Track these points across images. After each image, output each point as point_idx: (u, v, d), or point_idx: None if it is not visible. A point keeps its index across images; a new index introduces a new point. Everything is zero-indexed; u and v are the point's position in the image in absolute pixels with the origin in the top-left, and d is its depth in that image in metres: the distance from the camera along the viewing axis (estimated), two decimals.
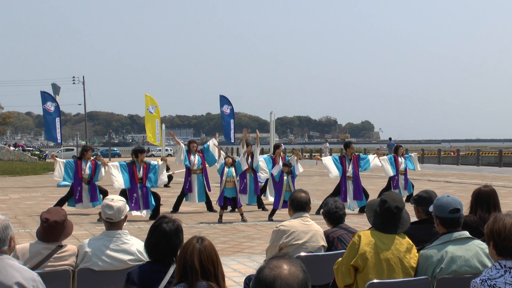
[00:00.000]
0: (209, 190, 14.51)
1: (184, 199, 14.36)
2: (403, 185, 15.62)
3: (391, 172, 15.17)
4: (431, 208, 4.43)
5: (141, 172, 13.08)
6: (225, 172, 12.56)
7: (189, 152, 14.29)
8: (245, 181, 14.16)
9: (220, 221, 12.51)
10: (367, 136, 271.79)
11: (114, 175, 13.00)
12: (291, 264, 2.21)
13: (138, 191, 12.90)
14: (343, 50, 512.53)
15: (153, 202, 13.04)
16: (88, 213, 14.00)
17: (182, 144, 14.26)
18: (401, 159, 15.60)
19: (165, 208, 14.78)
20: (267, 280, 2.16)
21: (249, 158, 14.15)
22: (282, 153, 14.70)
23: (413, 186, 15.97)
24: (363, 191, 14.00)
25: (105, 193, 13.84)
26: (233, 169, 12.74)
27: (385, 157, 15.65)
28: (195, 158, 14.24)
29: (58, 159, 14.31)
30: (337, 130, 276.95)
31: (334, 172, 13.87)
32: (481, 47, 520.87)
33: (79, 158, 14.18)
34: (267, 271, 2.19)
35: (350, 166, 13.82)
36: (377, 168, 14.86)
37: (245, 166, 13.32)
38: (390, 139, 47.82)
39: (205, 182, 14.22)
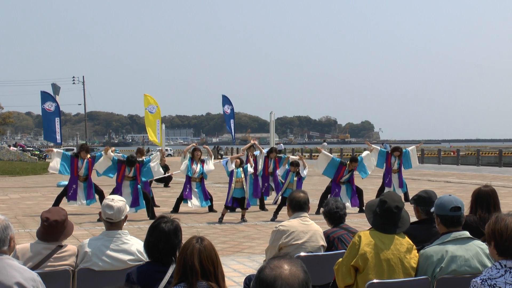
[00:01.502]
0: (209, 196, 14.41)
1: (183, 202, 14.31)
2: (398, 184, 15.67)
3: (374, 162, 15.05)
4: (433, 209, 4.43)
5: (131, 172, 13.26)
6: (234, 172, 12.60)
7: (192, 159, 14.27)
8: (266, 185, 14.31)
9: (220, 220, 12.50)
10: (367, 136, 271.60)
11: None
12: (292, 264, 2.21)
13: (123, 189, 13.04)
14: (343, 50, 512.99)
15: (143, 203, 13.12)
16: (88, 213, 13.99)
17: (188, 154, 14.35)
18: (394, 159, 15.63)
19: (165, 208, 14.78)
20: (267, 280, 2.16)
21: (271, 163, 14.51)
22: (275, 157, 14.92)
23: (406, 185, 16.04)
24: (357, 190, 14.02)
25: (100, 193, 13.88)
26: (241, 170, 12.79)
27: (378, 148, 15.71)
28: (197, 167, 14.17)
29: (54, 149, 14.29)
30: (337, 130, 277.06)
31: (322, 169, 14.03)
32: (481, 47, 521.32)
33: (76, 156, 14.14)
34: (267, 271, 2.19)
35: (347, 176, 13.90)
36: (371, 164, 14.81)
37: (251, 171, 13.47)
38: (382, 143, 49.53)
39: (203, 190, 14.17)
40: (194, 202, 13.96)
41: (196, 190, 14.05)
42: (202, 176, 14.22)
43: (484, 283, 3.22)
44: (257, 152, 15.45)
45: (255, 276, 2.24)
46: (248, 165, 13.14)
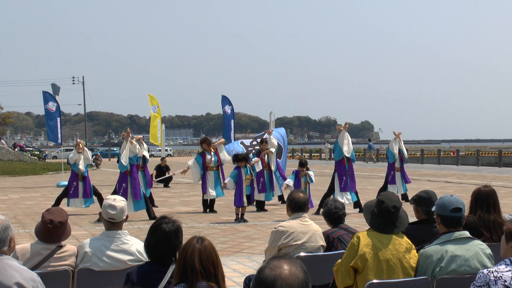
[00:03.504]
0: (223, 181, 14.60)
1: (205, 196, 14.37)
2: (401, 180, 15.74)
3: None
4: (433, 208, 4.44)
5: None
6: (242, 172, 12.67)
7: (203, 152, 14.33)
8: (262, 180, 14.32)
9: (240, 220, 12.49)
10: (367, 136, 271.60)
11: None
12: (291, 264, 2.21)
13: (128, 183, 12.97)
14: (343, 50, 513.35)
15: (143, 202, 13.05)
16: (87, 213, 14.00)
17: (189, 163, 14.37)
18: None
19: (165, 208, 14.79)
20: (267, 280, 2.16)
21: (265, 156, 14.65)
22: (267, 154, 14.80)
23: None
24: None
25: (99, 196, 13.78)
26: (249, 167, 12.98)
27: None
28: (212, 156, 14.29)
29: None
30: (337, 130, 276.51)
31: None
32: (481, 47, 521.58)
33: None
34: (267, 271, 2.19)
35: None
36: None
37: (259, 168, 13.87)
38: (369, 139, 49.38)
39: (221, 177, 14.33)
40: (211, 193, 14.09)
41: (213, 178, 14.14)
42: (219, 165, 14.37)
43: (490, 274, 3.31)
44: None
45: (254, 276, 2.24)
46: (255, 163, 13.41)
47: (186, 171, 15.21)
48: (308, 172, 13.52)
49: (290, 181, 13.39)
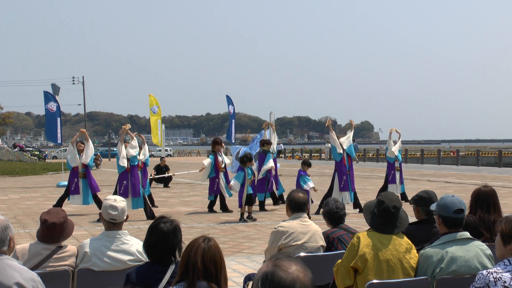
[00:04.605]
0: (228, 182, 14.46)
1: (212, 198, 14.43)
2: (399, 181, 15.77)
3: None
4: (433, 207, 4.42)
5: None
6: (246, 173, 12.67)
7: (216, 153, 14.46)
8: (271, 180, 14.32)
9: (244, 220, 12.49)
10: (367, 136, 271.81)
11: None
12: (300, 265, 2.18)
13: (128, 178, 13.03)
14: (343, 50, 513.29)
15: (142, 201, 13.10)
16: (88, 213, 13.98)
17: (205, 162, 14.36)
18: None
19: (165, 208, 14.77)
20: (286, 283, 2.11)
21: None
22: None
23: (403, 186, 16.16)
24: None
25: (96, 197, 13.54)
26: (252, 167, 13.06)
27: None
28: (223, 157, 14.57)
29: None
30: (337, 130, 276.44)
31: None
32: (481, 47, 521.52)
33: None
34: (283, 274, 2.13)
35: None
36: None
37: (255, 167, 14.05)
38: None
39: (227, 179, 14.41)
40: (225, 193, 14.21)
41: (223, 180, 14.28)
42: (225, 166, 14.62)
43: (490, 275, 3.32)
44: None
45: (262, 278, 2.18)
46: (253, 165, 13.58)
47: (204, 169, 15.22)
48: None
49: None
